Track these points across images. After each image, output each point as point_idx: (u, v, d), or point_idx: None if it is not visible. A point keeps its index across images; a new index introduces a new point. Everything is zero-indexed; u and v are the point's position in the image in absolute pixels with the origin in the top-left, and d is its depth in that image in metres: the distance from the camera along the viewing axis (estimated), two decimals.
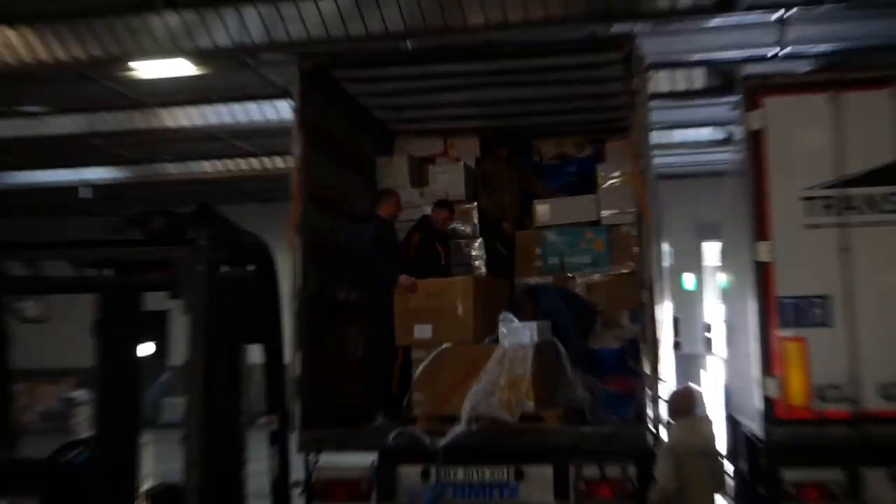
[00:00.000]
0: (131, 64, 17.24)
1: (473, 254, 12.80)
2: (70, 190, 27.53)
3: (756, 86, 10.24)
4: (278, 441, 5.40)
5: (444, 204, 12.28)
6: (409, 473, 9.76)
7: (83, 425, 23.73)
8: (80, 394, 26.15)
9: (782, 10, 14.77)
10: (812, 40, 16.29)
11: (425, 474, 9.65)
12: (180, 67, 17.32)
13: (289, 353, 8.64)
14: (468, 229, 12.83)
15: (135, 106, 21.31)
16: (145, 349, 5.01)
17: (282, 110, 19.16)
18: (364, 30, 15.14)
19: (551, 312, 11.00)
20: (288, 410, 5.51)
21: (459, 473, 9.64)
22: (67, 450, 4.76)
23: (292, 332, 9.74)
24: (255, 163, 25.09)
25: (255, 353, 5.09)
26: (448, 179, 12.85)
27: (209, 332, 4.05)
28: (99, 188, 27.52)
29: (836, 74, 10.39)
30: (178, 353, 13.30)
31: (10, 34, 16.54)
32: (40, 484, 4.24)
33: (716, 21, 15.35)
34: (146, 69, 17.45)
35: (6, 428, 5.13)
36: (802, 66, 16.10)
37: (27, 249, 4.87)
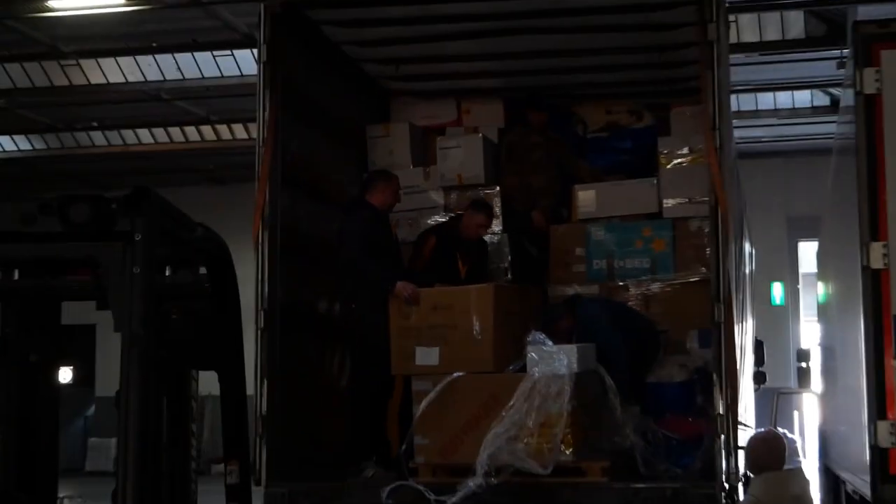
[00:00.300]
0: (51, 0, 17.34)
1: (494, 254, 12.62)
2: None
3: (871, 35, 10.10)
4: (238, 497, 5.43)
5: (481, 206, 12.00)
6: None
7: None
8: None
9: None
10: None
11: None
12: (109, 1, 17.38)
13: (252, 383, 8.66)
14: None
15: (51, 55, 21.39)
16: (65, 375, 5.04)
17: (243, 63, 19.23)
18: None
19: (596, 331, 11.06)
20: (250, 457, 5.53)
21: None
22: None
23: (257, 355, 9.81)
24: (208, 132, 25.14)
25: (209, 383, 5.12)
26: (462, 156, 12.70)
27: (147, 355, 4.07)
28: (5, 163, 27.63)
29: None
30: (109, 380, 13.25)
31: None
32: None
33: None
34: (64, 3, 17.50)
35: None
36: None
37: None
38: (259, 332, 9.80)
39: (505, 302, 10.78)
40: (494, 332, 10.42)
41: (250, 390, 7.09)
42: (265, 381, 9.85)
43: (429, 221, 12.55)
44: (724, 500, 9.46)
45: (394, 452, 10.71)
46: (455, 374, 10.15)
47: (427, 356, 10.55)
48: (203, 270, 4.95)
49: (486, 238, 12.42)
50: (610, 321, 11.29)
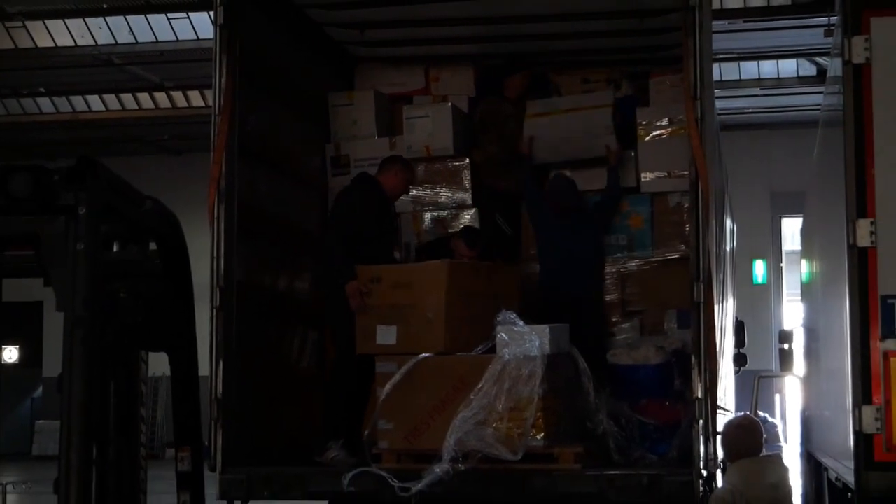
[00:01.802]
0: None
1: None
2: None
3: (861, 1, 10.07)
4: (190, 484, 5.42)
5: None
6: None
7: None
8: None
9: None
10: None
11: None
12: None
13: (207, 365, 8.66)
14: (458, 195, 12.67)
15: None
16: (8, 355, 5.03)
17: (199, 26, 19.22)
18: None
19: None
20: (204, 442, 5.52)
21: None
22: None
23: (211, 335, 9.78)
24: (161, 99, 25.11)
25: (160, 364, 5.10)
26: (430, 126, 12.60)
27: (92, 336, 4.05)
28: None
29: None
30: (57, 360, 13.69)
31: None
32: None
33: None
34: None
35: None
36: None
37: None
38: (214, 311, 9.74)
39: (465, 280, 10.78)
40: (447, 311, 10.41)
41: (204, 372, 7.08)
42: (221, 363, 9.81)
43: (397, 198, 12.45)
44: (701, 488, 9.50)
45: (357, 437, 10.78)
46: (422, 356, 10.15)
47: (386, 335, 10.55)
48: (153, 246, 4.92)
49: (457, 213, 12.50)
50: None
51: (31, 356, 24.49)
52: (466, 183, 12.52)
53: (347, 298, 10.73)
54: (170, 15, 20.41)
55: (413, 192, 12.46)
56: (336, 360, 11.29)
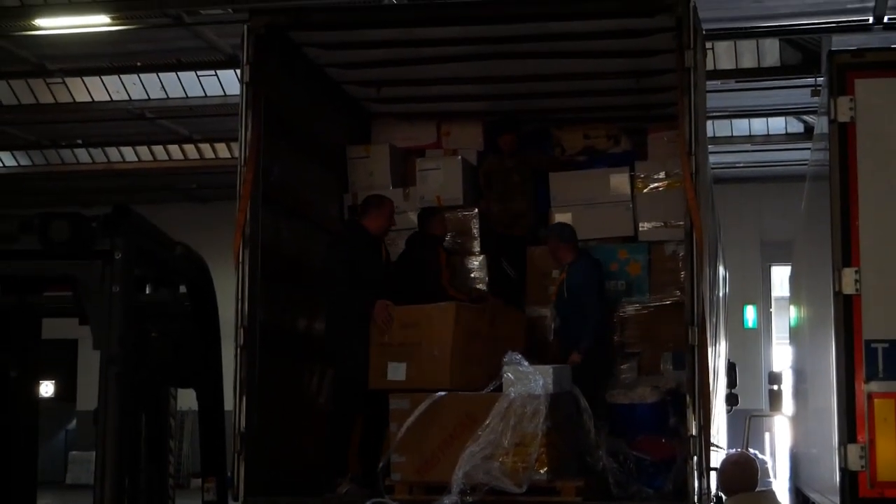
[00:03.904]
0: (32, 18, 17.31)
1: (473, 275, 12.62)
2: None
3: (846, 64, 10.12)
4: None
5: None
6: None
7: None
8: None
9: None
10: None
11: None
12: (93, 21, 17.36)
13: (231, 400, 8.66)
14: (467, 243, 12.69)
15: (36, 73, 21.37)
16: (45, 389, 5.02)
17: (227, 83, 19.22)
18: None
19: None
20: (229, 473, 5.50)
21: None
22: None
23: (236, 372, 9.77)
24: (191, 151, 25.11)
25: (187, 399, 5.09)
26: (441, 178, 12.69)
27: (126, 371, 4.05)
28: None
29: None
30: (90, 394, 13.60)
31: None
32: None
33: None
34: (50, 23, 17.48)
35: None
36: None
37: None
38: (238, 349, 9.74)
39: (469, 321, 10.73)
40: (453, 350, 10.41)
41: (229, 406, 7.08)
42: (244, 398, 9.81)
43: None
44: None
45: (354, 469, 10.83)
46: (437, 394, 10.15)
47: (396, 371, 10.56)
48: (183, 289, 4.93)
49: (467, 259, 12.50)
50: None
51: (65, 391, 24.44)
52: (475, 231, 12.53)
53: (357, 328, 10.83)
54: (199, 72, 20.43)
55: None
56: (342, 397, 11.23)
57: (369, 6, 14.27)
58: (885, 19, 16.77)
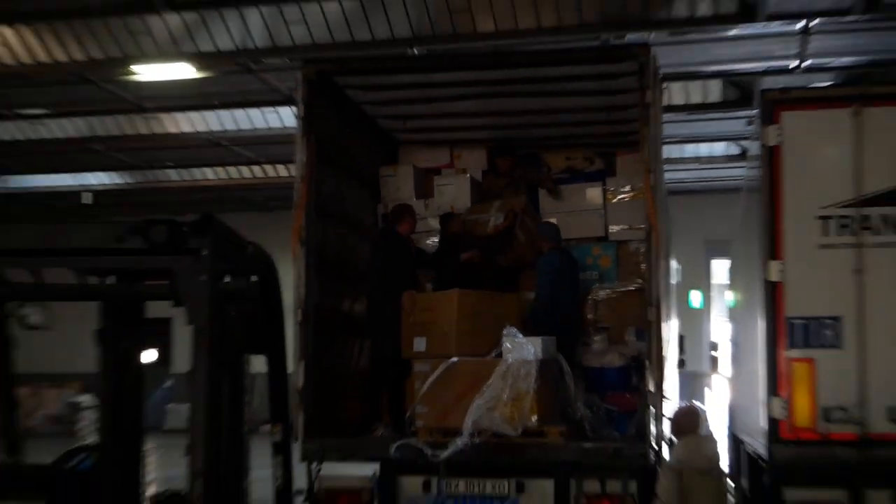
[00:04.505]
0: (132, 67, 17.35)
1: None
2: (71, 195, 27.65)
3: (774, 99, 10.15)
4: (281, 450, 5.47)
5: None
6: (411, 484, 9.90)
7: (88, 429, 23.88)
8: (85, 398, 26.41)
9: (805, 21, 14.79)
10: (835, 52, 16.31)
11: (426, 486, 9.81)
12: (182, 71, 17.41)
13: (292, 364, 8.73)
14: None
15: (136, 110, 21.40)
16: (148, 356, 5.06)
17: (285, 117, 19.22)
18: (370, 35, 15.19)
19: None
20: (291, 420, 5.56)
21: (461, 486, 9.76)
22: (72, 455, 4.83)
23: (295, 343, 9.84)
24: (257, 171, 25.14)
25: (258, 363, 5.16)
26: (454, 191, 12.81)
27: (212, 342, 4.11)
28: (100, 194, 27.63)
29: (858, 89, 10.37)
30: (182, 360, 13.48)
31: (8, 33, 16.61)
32: (46, 490, 4.31)
33: (735, 31, 15.34)
34: (147, 72, 17.54)
35: (11, 433, 5.21)
36: (823, 80, 16.09)
37: (29, 256, 4.94)
38: (297, 325, 9.87)
39: (471, 304, 10.84)
40: (458, 326, 10.55)
41: (290, 370, 7.11)
42: (302, 363, 9.97)
43: (427, 242, 12.71)
44: (652, 458, 9.51)
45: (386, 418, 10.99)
46: (453, 359, 10.22)
47: (419, 344, 10.74)
48: (254, 278, 4.98)
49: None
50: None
51: (163, 357, 24.51)
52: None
53: (392, 310, 11.01)
54: (263, 109, 20.46)
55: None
56: (380, 362, 11.38)
57: (397, 56, 14.24)
58: (805, 64, 16.76)
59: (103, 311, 5.07)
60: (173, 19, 15.90)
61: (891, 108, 9.86)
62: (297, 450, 8.94)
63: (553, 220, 12.33)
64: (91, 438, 4.95)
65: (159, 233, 4.25)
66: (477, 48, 14.39)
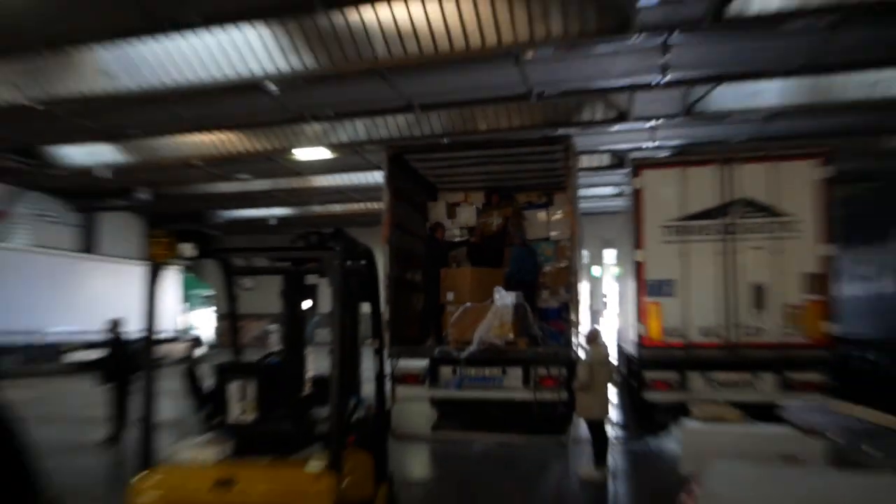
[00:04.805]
0: (294, 151, 17.45)
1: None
2: (264, 220, 27.84)
3: (638, 163, 10.24)
4: (378, 352, 5.48)
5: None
6: (445, 371, 9.99)
7: (274, 343, 23.98)
8: (273, 327, 26.58)
9: (654, 120, 14.72)
10: (671, 137, 16.34)
11: (454, 371, 9.90)
12: (320, 153, 17.52)
13: (384, 307, 8.83)
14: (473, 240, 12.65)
15: (297, 174, 21.52)
16: (306, 304, 5.07)
17: (377, 176, 19.30)
18: (420, 132, 15.28)
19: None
20: (382, 337, 5.58)
21: (472, 371, 9.84)
22: (267, 357, 4.86)
23: (385, 296, 9.86)
24: (363, 206, 25.22)
25: (365, 307, 5.17)
26: (466, 215, 12.78)
27: (342, 296, 4.12)
28: (280, 218, 27.80)
29: (682, 158, 10.48)
30: (324, 306, 13.52)
31: (231, 135, 16.81)
32: (255, 375, 4.33)
33: (616, 127, 15.32)
34: (301, 154, 17.65)
35: (236, 345, 5.27)
36: (664, 153, 16.08)
37: (244, 251, 4.98)
38: (386, 287, 9.88)
39: (476, 275, 10.94)
40: (469, 286, 10.67)
41: (383, 310, 7.22)
42: (388, 307, 9.99)
43: (454, 242, 12.54)
44: (574, 356, 9.52)
45: (433, 336, 10.90)
46: (468, 304, 10.24)
47: (449, 296, 10.86)
48: (363, 262, 4.99)
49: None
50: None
51: (313, 304, 24.74)
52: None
53: (434, 279, 11.10)
54: (364, 172, 20.57)
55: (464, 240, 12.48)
56: (426, 306, 11.37)
57: (435, 143, 14.27)
58: (654, 145, 16.70)
59: (284, 281, 5.09)
60: (315, 127, 15.99)
61: (699, 167, 9.88)
62: (386, 352, 9.03)
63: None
64: (276, 347, 4.97)
65: (313, 238, 4.26)
66: (477, 138, 14.42)
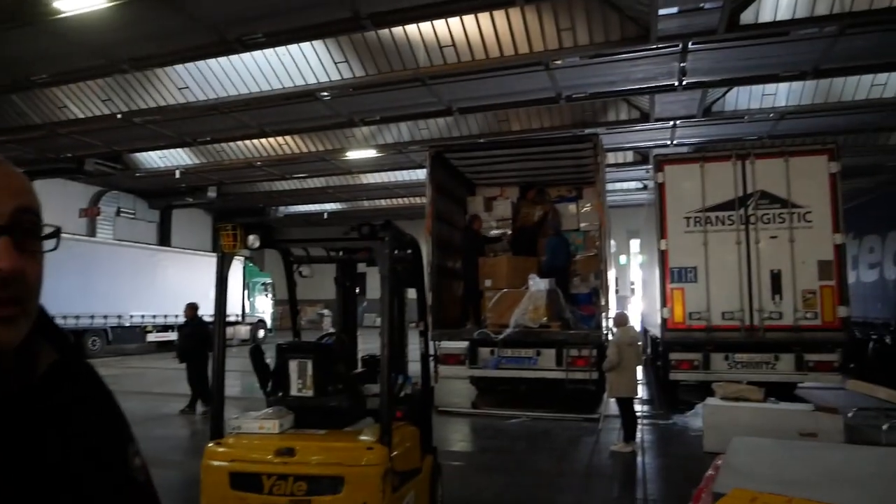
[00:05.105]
0: (346, 152, 17.55)
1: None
2: (317, 214, 28.10)
3: (661, 159, 10.06)
4: (423, 335, 5.45)
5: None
6: (484, 352, 9.92)
7: (328, 325, 24.26)
8: (326, 311, 26.86)
9: (673, 122, 14.51)
10: (690, 136, 16.03)
11: (492, 352, 9.83)
12: (369, 154, 17.59)
13: (427, 293, 8.85)
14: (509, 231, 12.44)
15: (347, 173, 21.67)
16: (357, 290, 5.07)
17: (420, 174, 19.34)
18: (459, 133, 15.22)
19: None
20: (427, 320, 5.56)
21: (508, 352, 9.76)
22: (323, 338, 4.86)
23: (429, 282, 9.83)
24: (407, 201, 25.30)
25: (411, 293, 5.16)
26: (502, 209, 12.58)
27: (390, 282, 4.09)
28: (332, 213, 28.03)
29: (700, 153, 10.19)
30: (371, 293, 13.67)
31: (289, 139, 16.93)
32: (312, 353, 4.34)
33: (639, 126, 15.12)
34: (352, 154, 17.74)
35: (296, 328, 5.29)
36: (684, 149, 15.81)
37: (304, 241, 4.99)
38: (429, 274, 9.80)
39: (512, 263, 10.76)
40: (507, 273, 10.46)
41: (427, 295, 7.23)
42: (431, 292, 9.91)
43: (491, 233, 12.32)
44: (604, 338, 9.42)
45: (472, 319, 10.83)
46: (504, 290, 10.17)
47: (487, 282, 10.71)
48: (409, 251, 4.97)
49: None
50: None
51: (362, 290, 24.94)
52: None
53: (473, 266, 10.92)
54: (409, 170, 20.60)
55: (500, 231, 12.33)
56: (466, 291, 11.24)
57: (473, 143, 14.22)
58: (676, 141, 16.39)
59: (337, 268, 5.09)
60: (365, 129, 16.04)
61: (718, 163, 9.69)
62: (430, 334, 9.03)
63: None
64: (330, 329, 4.98)
65: (364, 230, 4.24)
66: (511, 138, 14.31)
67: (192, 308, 10.52)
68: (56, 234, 0.88)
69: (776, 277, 9.23)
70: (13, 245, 0.81)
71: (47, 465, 0.82)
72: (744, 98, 13.98)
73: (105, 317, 18.71)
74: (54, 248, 0.87)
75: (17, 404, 0.82)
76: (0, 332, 0.79)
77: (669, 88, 12.76)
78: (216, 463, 3.86)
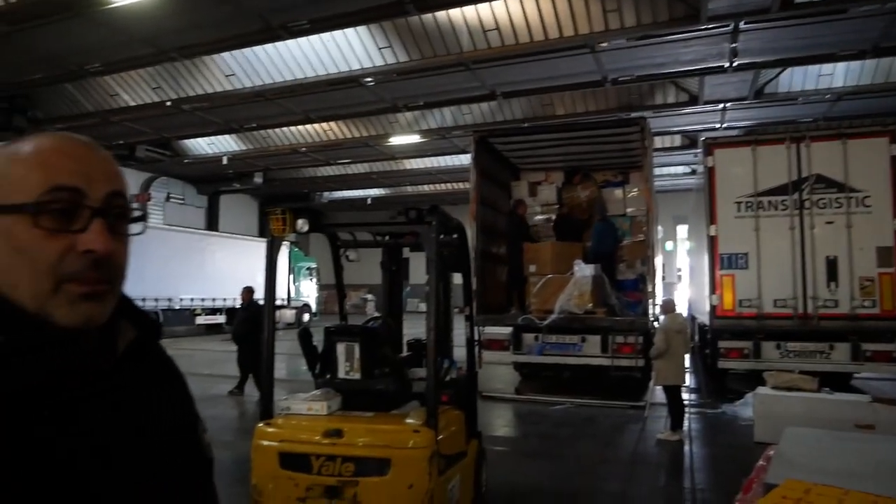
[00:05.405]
0: (390, 138, 17.62)
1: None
2: (361, 199, 28.33)
3: (710, 143, 9.81)
4: (469, 319, 5.46)
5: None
6: (528, 338, 9.89)
7: (372, 310, 24.48)
8: (370, 296, 27.13)
9: (723, 104, 14.16)
10: (741, 119, 15.62)
11: (536, 338, 9.80)
12: (412, 139, 17.59)
13: (473, 278, 8.86)
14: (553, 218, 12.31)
15: (391, 158, 21.76)
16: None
17: (464, 159, 19.28)
18: (503, 117, 15.10)
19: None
20: (472, 305, 5.56)
21: (553, 338, 9.71)
22: (368, 321, 4.90)
23: (474, 267, 9.81)
24: (450, 186, 25.29)
25: (457, 278, 5.16)
26: (547, 193, 12.44)
27: (437, 267, 4.10)
28: (375, 198, 28.22)
29: (752, 136, 9.92)
30: (415, 278, 13.82)
31: (332, 125, 17.07)
32: (358, 337, 4.38)
33: (688, 109, 14.79)
34: (395, 140, 17.79)
35: (342, 311, 5.35)
36: (734, 132, 15.40)
37: (351, 226, 5.03)
38: (474, 259, 9.76)
39: (556, 248, 10.68)
40: (551, 259, 10.36)
41: (472, 280, 7.23)
42: (476, 277, 9.86)
43: (535, 218, 12.23)
44: (651, 325, 9.30)
45: (517, 305, 10.77)
46: (548, 276, 10.11)
47: (532, 268, 10.63)
48: (455, 236, 4.97)
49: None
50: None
51: (405, 275, 25.11)
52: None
53: (518, 252, 10.84)
54: (452, 155, 20.56)
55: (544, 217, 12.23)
56: (510, 276, 11.15)
57: (517, 127, 14.11)
58: (725, 125, 15.96)
59: (384, 253, 5.11)
60: (408, 115, 16.06)
61: (770, 146, 9.44)
62: (475, 319, 9.03)
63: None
64: (374, 314, 5.03)
65: (411, 214, 4.25)
66: (555, 122, 14.15)
67: (248, 291, 10.55)
68: (143, 217, 0.92)
69: (832, 264, 8.95)
70: (107, 228, 0.84)
71: (140, 441, 0.87)
72: (798, 79, 13.54)
73: (156, 300, 19.21)
74: (141, 233, 0.91)
75: (105, 379, 0.86)
76: (92, 309, 0.83)
77: (719, 70, 12.45)
78: (266, 443, 3.96)
